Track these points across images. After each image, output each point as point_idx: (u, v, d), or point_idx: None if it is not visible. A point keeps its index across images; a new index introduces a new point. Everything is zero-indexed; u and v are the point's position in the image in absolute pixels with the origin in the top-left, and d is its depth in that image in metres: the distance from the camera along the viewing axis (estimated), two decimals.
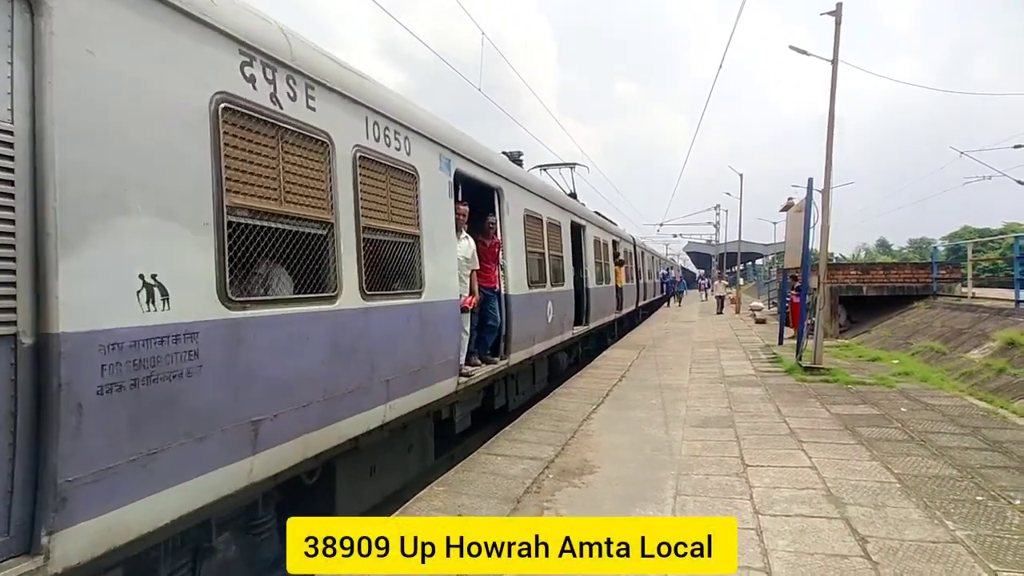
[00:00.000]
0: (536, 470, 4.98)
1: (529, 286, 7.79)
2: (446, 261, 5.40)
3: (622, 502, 4.25)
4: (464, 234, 5.93)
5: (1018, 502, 4.08)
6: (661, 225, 55.48)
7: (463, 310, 5.73)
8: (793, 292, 13.59)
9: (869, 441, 5.67)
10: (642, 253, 23.43)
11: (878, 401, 7.47)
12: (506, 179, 7.21)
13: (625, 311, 17.52)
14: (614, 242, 16.00)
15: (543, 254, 8.76)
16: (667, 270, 39.42)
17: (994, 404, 7.16)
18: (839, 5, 10.14)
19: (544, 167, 13.55)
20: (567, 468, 5.03)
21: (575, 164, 14.14)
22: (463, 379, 5.65)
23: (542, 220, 8.80)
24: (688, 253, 74.72)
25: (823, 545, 3.52)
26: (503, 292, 6.90)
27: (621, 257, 16.54)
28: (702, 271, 71.17)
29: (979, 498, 4.19)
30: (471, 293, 5.97)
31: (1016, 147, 26.49)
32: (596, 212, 14.93)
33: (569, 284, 10.35)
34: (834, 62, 10.35)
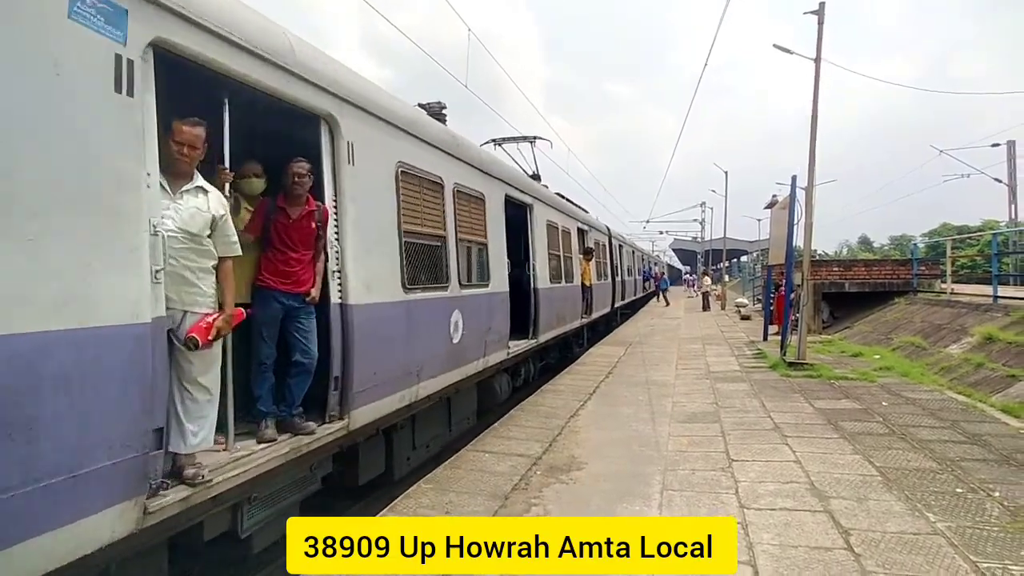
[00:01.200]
0: (524, 467, 4.99)
1: (406, 289, 4.92)
2: (104, 240, 2.45)
3: (609, 498, 4.27)
4: (197, 183, 3.05)
5: (997, 494, 4.17)
6: (647, 222, 55.68)
7: (188, 345, 2.84)
8: (782, 288, 13.90)
9: (851, 435, 5.75)
10: (619, 246, 20.54)
11: (860, 396, 7.58)
12: (344, 101, 4.15)
13: (597, 315, 14.67)
14: (581, 230, 13.27)
15: (443, 239, 5.76)
16: (651, 266, 38.67)
17: (973, 398, 7.30)
18: (822, 5, 10.26)
19: (497, 142, 11.16)
20: (555, 464, 5.04)
21: (536, 138, 11.56)
22: (182, 491, 2.81)
23: (442, 186, 5.79)
24: (674, 250, 75.30)
25: (807, 538, 3.56)
26: (336, 301, 4.04)
27: (591, 249, 13.76)
28: (687, 268, 71.84)
29: (959, 490, 4.27)
30: (222, 307, 3.10)
31: (994, 145, 27.02)
32: (559, 194, 12.38)
33: (500, 283, 7.29)
34: (817, 60, 10.47)
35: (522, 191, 8.79)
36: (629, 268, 23.74)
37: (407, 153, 5.15)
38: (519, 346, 8.19)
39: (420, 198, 5.38)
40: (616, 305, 18.91)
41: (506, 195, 7.88)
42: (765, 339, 13.65)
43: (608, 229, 18.42)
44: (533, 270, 9.00)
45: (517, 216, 8.72)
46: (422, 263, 5.35)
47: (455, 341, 5.93)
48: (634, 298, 25.78)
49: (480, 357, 6.66)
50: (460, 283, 6.09)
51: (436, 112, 6.69)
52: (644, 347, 13.19)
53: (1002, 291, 11.74)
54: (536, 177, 11.12)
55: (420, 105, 6.45)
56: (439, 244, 5.75)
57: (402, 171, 5.02)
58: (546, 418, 6.68)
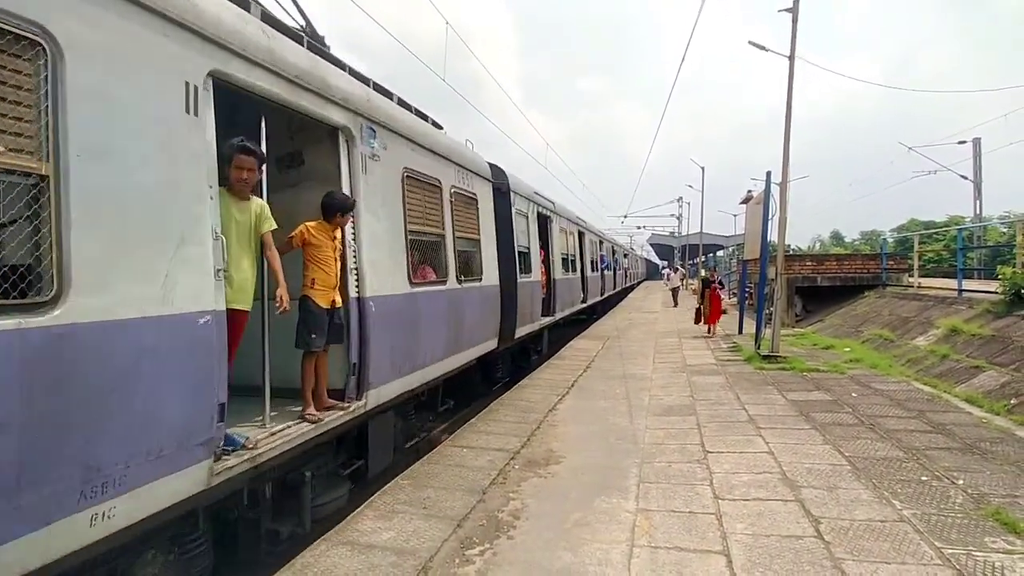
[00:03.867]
0: (502, 461, 4.99)
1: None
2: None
3: (587, 491, 4.30)
4: None
5: (961, 482, 4.30)
6: (626, 217, 56.32)
7: None
8: (715, 285, 14.66)
9: (822, 426, 5.88)
10: (545, 218, 12.02)
11: (831, 387, 7.75)
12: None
13: (482, 346, 7.50)
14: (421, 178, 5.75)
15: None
16: (623, 256, 33.56)
17: (938, 388, 7.51)
18: (796, 2, 10.38)
19: None
20: (533, 459, 5.06)
21: None
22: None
23: None
24: (652, 245, 76.03)
25: (779, 527, 3.63)
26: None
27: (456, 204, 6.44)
28: (665, 262, 72.79)
29: (924, 478, 4.40)
30: None
31: (960, 143, 27.77)
32: (383, 92, 5.48)
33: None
34: (791, 58, 10.60)
35: None
36: (566, 258, 14.24)
37: None
38: None
39: None
40: (544, 321, 11.36)
41: None
42: (740, 332, 13.89)
43: (528, 188, 10.64)
44: None
45: None
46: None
47: None
48: (596, 300, 19.32)
49: None
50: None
51: None
52: (622, 341, 13.30)
53: (967, 284, 12.08)
54: (306, 32, 4.75)
55: None
56: None
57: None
58: (524, 412, 6.70)
